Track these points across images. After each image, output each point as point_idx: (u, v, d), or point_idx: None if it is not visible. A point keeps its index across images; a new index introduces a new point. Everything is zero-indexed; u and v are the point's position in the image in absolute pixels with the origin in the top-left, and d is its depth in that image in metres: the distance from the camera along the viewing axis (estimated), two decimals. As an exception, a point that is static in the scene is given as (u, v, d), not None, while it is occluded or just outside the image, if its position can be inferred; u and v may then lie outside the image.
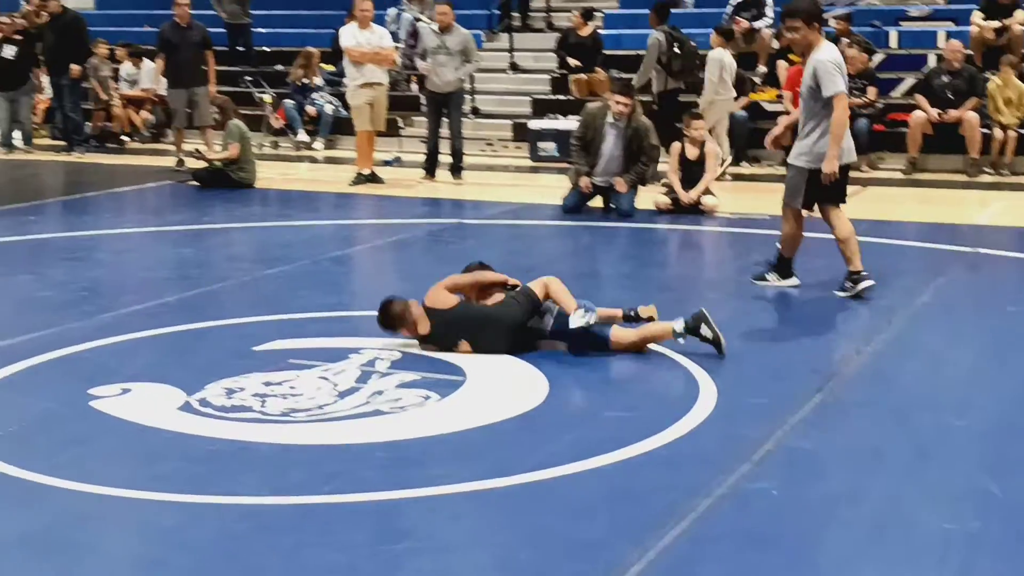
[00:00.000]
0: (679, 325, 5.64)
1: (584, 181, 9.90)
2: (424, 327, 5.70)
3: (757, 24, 14.16)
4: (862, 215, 9.76)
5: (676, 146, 10.09)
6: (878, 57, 13.83)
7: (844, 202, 6.95)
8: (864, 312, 6.66)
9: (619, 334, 5.72)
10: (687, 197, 9.80)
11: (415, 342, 5.81)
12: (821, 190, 6.79)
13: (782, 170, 12.57)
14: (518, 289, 5.86)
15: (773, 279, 7.15)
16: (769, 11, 14.16)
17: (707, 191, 9.93)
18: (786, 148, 7.29)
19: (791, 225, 6.99)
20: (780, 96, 13.17)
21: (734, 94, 12.35)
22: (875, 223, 9.44)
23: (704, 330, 5.62)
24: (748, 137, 13.04)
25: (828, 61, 6.64)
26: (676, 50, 12.19)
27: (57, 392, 5.21)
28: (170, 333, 6.21)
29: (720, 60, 12.14)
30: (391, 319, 5.75)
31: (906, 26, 14.67)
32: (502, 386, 5.28)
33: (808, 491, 4.09)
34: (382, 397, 5.06)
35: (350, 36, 11.67)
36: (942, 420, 4.82)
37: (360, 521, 3.88)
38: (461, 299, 5.81)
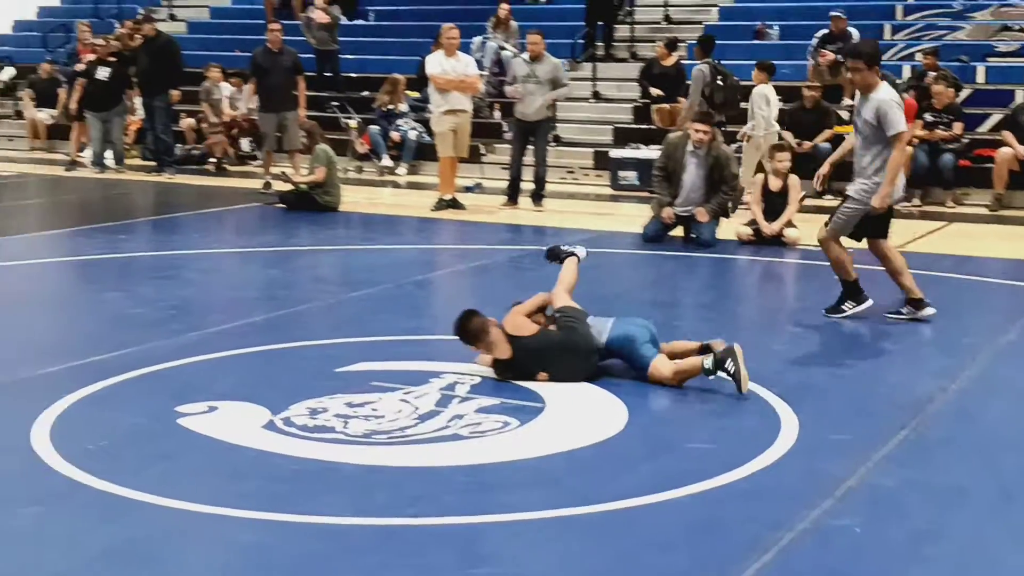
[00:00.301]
0: (708, 361, 5.58)
1: (667, 211, 9.90)
2: (504, 352, 5.71)
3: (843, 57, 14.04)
4: (947, 250, 9.65)
5: (759, 177, 10.06)
6: (965, 92, 13.63)
7: (887, 236, 7.13)
8: (949, 349, 6.56)
9: (658, 366, 5.66)
10: (769, 229, 9.74)
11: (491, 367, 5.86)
12: (870, 224, 6.99)
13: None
14: (561, 313, 5.83)
15: (849, 308, 7.14)
16: (855, 43, 14.04)
17: (789, 223, 9.86)
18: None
19: (835, 250, 7.12)
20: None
21: (777, 128, 12.29)
22: (960, 259, 9.31)
23: (728, 364, 5.49)
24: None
25: (893, 100, 6.86)
26: (719, 82, 12.18)
27: (146, 408, 5.34)
28: (256, 352, 6.33)
29: (765, 95, 12.15)
30: (468, 334, 5.76)
31: (993, 62, 14.46)
32: (581, 413, 5.29)
33: (891, 529, 4.03)
34: (462, 421, 5.10)
35: (436, 63, 11.83)
36: (1030, 461, 4.73)
37: (442, 545, 3.91)
38: (540, 327, 5.83)
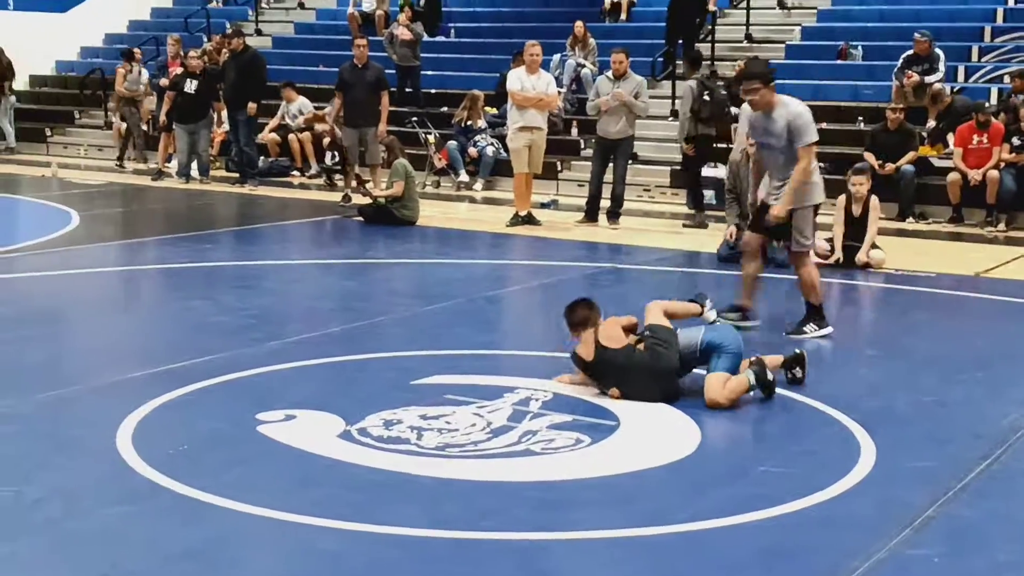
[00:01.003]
0: (751, 378, 5.66)
1: (729, 230, 9.82)
2: (587, 353, 5.70)
3: (929, 79, 13.84)
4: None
5: (841, 200, 9.89)
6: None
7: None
8: (1035, 379, 6.40)
9: (710, 381, 5.63)
10: (858, 259, 9.58)
11: (567, 385, 5.88)
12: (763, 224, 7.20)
13: (950, 227, 12.31)
14: (651, 332, 5.79)
15: (811, 330, 7.20)
16: (941, 66, 13.83)
17: (874, 245, 9.72)
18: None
19: (809, 269, 7.19)
20: (950, 153, 12.84)
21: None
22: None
23: (768, 375, 5.71)
24: (916, 193, 12.73)
25: (805, 113, 7.05)
26: (706, 98, 12.32)
27: (226, 414, 5.44)
28: (333, 363, 6.43)
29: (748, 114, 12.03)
30: (570, 319, 5.83)
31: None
32: (654, 433, 5.27)
33: (971, 561, 3.95)
34: (534, 437, 5.11)
35: (516, 80, 11.90)
36: (1118, 497, 4.59)
37: (510, 559, 3.93)
38: (630, 343, 5.76)
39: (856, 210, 9.77)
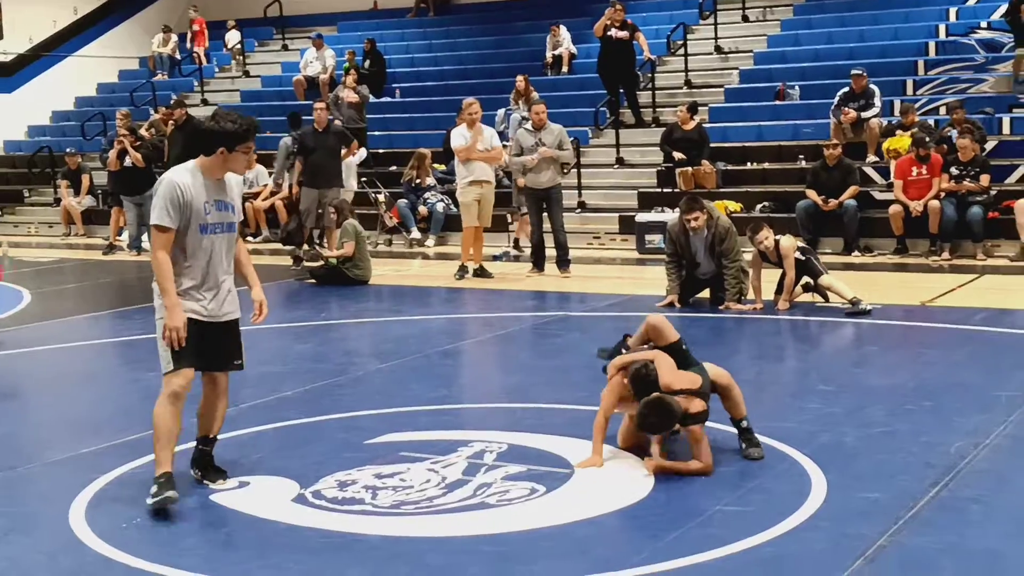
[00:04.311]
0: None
1: (669, 298, 9.86)
2: (702, 404, 5.43)
3: (865, 115, 14.15)
4: (978, 304, 9.61)
5: (756, 258, 9.84)
6: (990, 144, 13.66)
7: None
8: (984, 405, 6.48)
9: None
10: (780, 305, 9.59)
11: (524, 434, 5.89)
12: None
13: (895, 258, 12.53)
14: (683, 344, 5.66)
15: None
16: (877, 101, 14.15)
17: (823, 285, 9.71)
18: None
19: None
20: (891, 184, 13.10)
21: (355, 184, 14.30)
22: (992, 312, 9.26)
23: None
24: (859, 226, 12.96)
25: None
26: (294, 149, 14.11)
27: (178, 485, 5.37)
28: (287, 427, 6.41)
29: (348, 164, 14.30)
30: (676, 417, 5.31)
31: (1019, 112, 14.47)
32: (608, 478, 5.29)
33: (921, 589, 3.99)
34: (489, 490, 5.12)
35: (460, 136, 12.04)
36: (1064, 517, 4.66)
37: (466, 614, 3.92)
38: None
39: (773, 257, 9.64)
